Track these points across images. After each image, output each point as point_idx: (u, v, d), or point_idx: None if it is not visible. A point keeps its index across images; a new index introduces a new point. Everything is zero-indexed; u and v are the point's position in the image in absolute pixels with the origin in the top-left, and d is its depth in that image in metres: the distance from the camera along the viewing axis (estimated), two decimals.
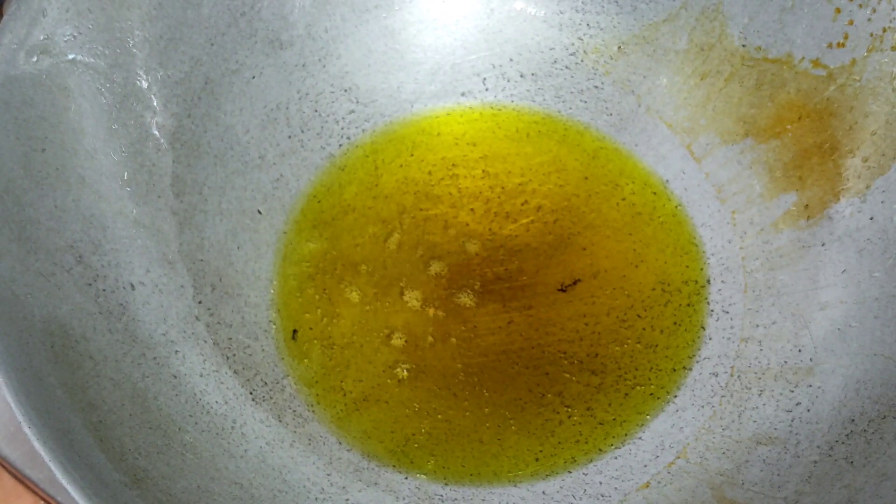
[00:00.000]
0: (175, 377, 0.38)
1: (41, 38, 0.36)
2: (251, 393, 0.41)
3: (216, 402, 0.39)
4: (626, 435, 0.41)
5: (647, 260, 0.44)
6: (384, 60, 0.48)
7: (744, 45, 0.44)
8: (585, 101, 0.48)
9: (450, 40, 0.49)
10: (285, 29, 0.45)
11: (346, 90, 0.48)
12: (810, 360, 0.40)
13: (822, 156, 0.43)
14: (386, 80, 0.48)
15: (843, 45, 0.41)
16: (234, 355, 0.41)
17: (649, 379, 0.42)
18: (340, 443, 0.41)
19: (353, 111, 0.48)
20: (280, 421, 0.40)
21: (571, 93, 0.49)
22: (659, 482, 0.39)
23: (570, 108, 0.48)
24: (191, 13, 0.42)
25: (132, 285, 0.39)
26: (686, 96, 0.47)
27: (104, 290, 0.38)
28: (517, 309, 0.43)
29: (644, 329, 0.43)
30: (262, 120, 0.45)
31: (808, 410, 0.39)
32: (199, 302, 0.41)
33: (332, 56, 0.47)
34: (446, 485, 0.40)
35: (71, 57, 0.37)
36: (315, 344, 0.43)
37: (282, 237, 0.45)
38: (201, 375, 0.39)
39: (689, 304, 0.43)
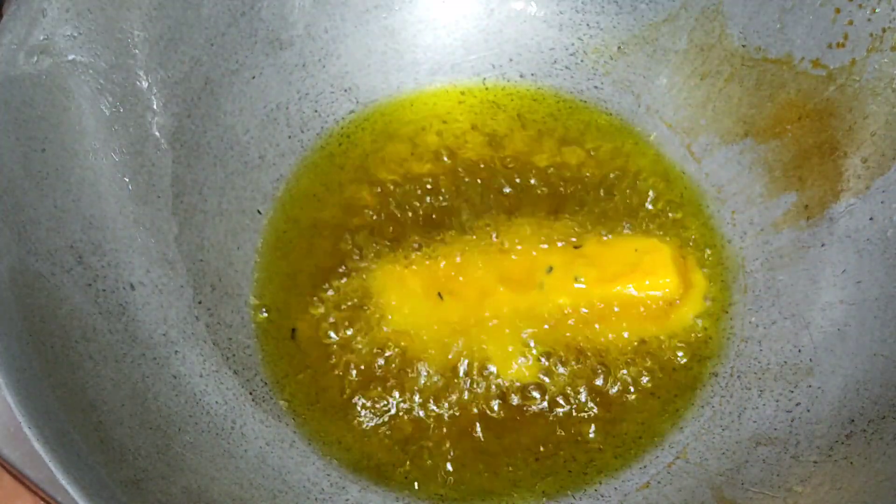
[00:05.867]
0: (175, 377, 0.38)
1: (41, 38, 0.36)
2: (251, 393, 0.41)
3: (216, 402, 0.39)
4: (625, 435, 0.41)
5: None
6: (384, 60, 0.48)
7: (744, 46, 0.44)
8: (585, 101, 0.48)
9: (450, 40, 0.49)
10: (285, 29, 0.45)
11: (346, 90, 0.48)
12: (810, 360, 0.40)
13: (822, 156, 0.43)
14: (386, 80, 0.48)
15: (843, 45, 0.41)
16: (234, 355, 0.41)
17: (649, 379, 0.42)
18: (340, 442, 0.41)
19: (353, 111, 0.48)
20: (280, 421, 0.41)
21: (571, 93, 0.49)
22: (659, 482, 0.39)
23: (571, 108, 0.48)
24: (191, 13, 0.42)
25: (132, 285, 0.39)
26: (686, 96, 0.47)
27: (104, 291, 0.38)
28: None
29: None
30: (262, 120, 0.45)
31: (808, 410, 0.39)
32: (199, 302, 0.41)
33: (332, 56, 0.47)
34: (446, 484, 0.40)
35: (71, 57, 0.37)
36: (315, 344, 0.43)
37: (282, 237, 0.45)
38: (201, 376, 0.39)
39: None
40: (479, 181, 0.46)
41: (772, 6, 0.43)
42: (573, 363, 0.42)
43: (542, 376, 0.42)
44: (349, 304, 0.43)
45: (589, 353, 0.42)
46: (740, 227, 0.45)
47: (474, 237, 0.44)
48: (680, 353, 0.42)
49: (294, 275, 0.44)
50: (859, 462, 0.35)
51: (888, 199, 0.40)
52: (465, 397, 0.41)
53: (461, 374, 0.42)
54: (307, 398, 0.42)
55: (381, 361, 0.42)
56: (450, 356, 0.42)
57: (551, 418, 0.41)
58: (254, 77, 0.45)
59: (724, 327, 0.43)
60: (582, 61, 0.48)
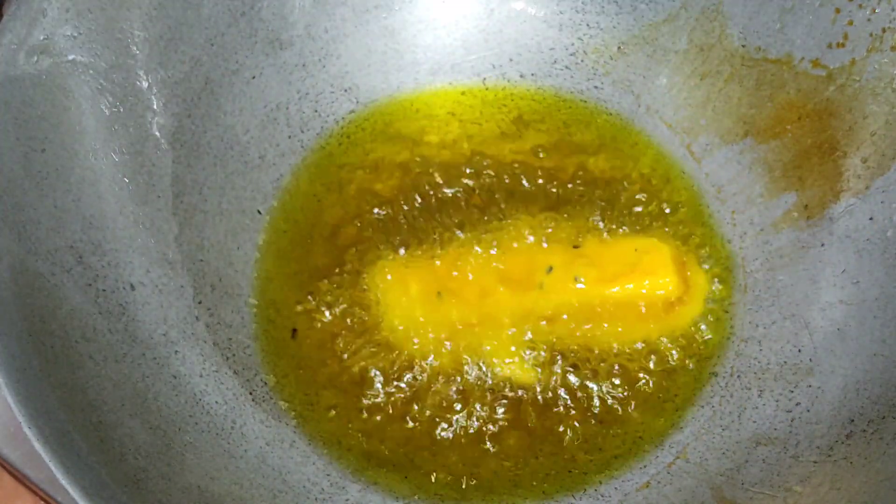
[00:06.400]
0: (175, 377, 0.38)
1: (41, 38, 0.36)
2: (251, 393, 0.41)
3: (216, 402, 0.39)
4: (625, 435, 0.41)
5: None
6: (384, 60, 0.48)
7: (744, 46, 0.44)
8: (585, 102, 0.48)
9: (450, 40, 0.49)
10: (285, 29, 0.45)
11: (346, 90, 0.48)
12: (810, 360, 0.40)
13: (822, 156, 0.43)
14: (386, 80, 0.48)
15: (843, 45, 0.41)
16: (234, 355, 0.41)
17: (649, 379, 0.42)
18: (340, 442, 0.41)
19: (353, 111, 0.48)
20: (280, 421, 0.41)
21: (571, 93, 0.49)
22: (659, 482, 0.39)
23: (571, 109, 0.48)
24: (191, 13, 0.42)
25: (132, 285, 0.39)
26: (686, 96, 0.47)
27: (104, 291, 0.38)
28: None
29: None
30: (262, 120, 0.45)
31: (808, 410, 0.39)
32: (199, 302, 0.41)
33: (332, 56, 0.47)
34: (445, 484, 0.40)
35: (71, 57, 0.38)
36: (315, 344, 0.43)
37: (282, 237, 0.45)
38: (201, 375, 0.39)
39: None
40: (479, 181, 0.46)
41: (772, 6, 0.43)
42: (573, 363, 0.42)
43: (541, 376, 0.42)
44: (349, 303, 0.43)
45: (589, 353, 0.42)
46: (740, 227, 0.45)
47: (474, 237, 0.44)
48: (680, 353, 0.42)
49: (294, 275, 0.44)
50: (859, 462, 0.35)
51: (888, 199, 0.40)
52: (465, 397, 0.41)
53: (461, 373, 0.42)
54: (307, 398, 0.42)
55: (380, 361, 0.42)
56: (450, 356, 0.42)
57: (551, 418, 0.41)
58: (254, 77, 0.45)
59: (724, 327, 0.43)
60: (582, 61, 0.48)
